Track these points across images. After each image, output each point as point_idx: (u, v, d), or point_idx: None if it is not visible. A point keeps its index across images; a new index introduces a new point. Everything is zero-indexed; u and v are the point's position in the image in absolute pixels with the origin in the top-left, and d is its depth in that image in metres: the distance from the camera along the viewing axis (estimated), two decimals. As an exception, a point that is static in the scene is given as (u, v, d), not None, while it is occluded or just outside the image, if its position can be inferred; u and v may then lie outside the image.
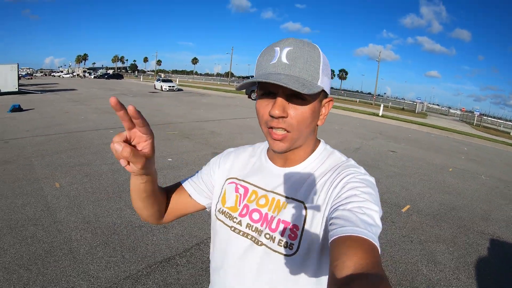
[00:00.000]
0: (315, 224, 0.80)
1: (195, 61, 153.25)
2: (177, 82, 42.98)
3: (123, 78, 75.84)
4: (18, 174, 5.74)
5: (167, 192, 1.07)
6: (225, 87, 57.72)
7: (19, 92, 25.88)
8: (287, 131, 0.80)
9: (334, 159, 0.91)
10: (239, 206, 0.94)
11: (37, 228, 3.90)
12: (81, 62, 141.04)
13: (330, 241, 0.66)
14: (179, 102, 22.60)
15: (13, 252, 3.40)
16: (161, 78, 37.57)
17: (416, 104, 51.46)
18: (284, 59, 0.77)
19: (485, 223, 5.08)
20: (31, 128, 10.01)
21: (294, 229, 0.82)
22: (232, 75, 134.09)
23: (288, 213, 0.84)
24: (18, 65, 27.16)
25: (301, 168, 0.91)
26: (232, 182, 1.00)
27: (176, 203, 1.07)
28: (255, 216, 0.89)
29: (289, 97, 0.79)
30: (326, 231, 0.78)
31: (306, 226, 0.81)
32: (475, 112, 45.38)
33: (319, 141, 0.96)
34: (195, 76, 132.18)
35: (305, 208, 0.83)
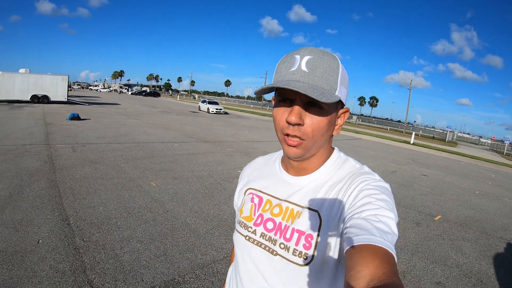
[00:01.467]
0: (330, 233, 0.80)
1: (228, 83, 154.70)
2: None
3: (159, 96, 77.18)
4: (111, 173, 6.88)
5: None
6: (259, 110, 58.14)
7: (67, 102, 27.28)
8: (302, 139, 0.81)
9: (349, 166, 0.92)
10: (254, 215, 0.95)
11: (153, 214, 4.81)
12: (117, 78, 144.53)
13: (345, 250, 0.67)
14: (222, 122, 23.85)
15: (141, 230, 4.26)
16: (207, 100, 37.10)
17: (447, 133, 51.45)
18: (303, 67, 0.78)
19: (504, 232, 6.20)
20: (100, 136, 11.52)
21: (309, 239, 0.82)
22: (264, 98, 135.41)
23: (302, 222, 0.85)
24: (68, 77, 28.40)
25: (315, 176, 0.91)
26: (250, 193, 1.02)
27: None
28: (269, 225, 0.90)
29: (306, 105, 0.80)
30: (341, 240, 0.78)
31: (321, 236, 0.81)
32: (505, 142, 45.13)
33: (333, 149, 0.96)
34: (227, 98, 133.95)
35: (320, 217, 0.83)
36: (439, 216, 6.62)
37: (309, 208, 0.85)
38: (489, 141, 65.41)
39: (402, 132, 50.46)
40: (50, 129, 12.27)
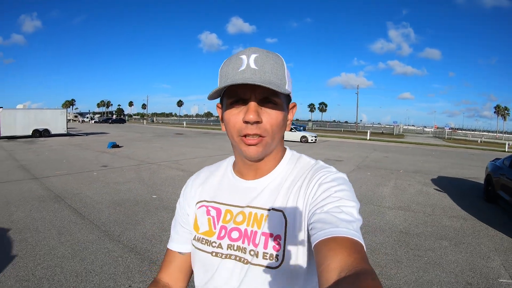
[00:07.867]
0: (297, 231, 0.80)
1: (180, 103, 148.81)
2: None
3: (125, 122, 76.44)
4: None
5: (168, 268, 1.00)
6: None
7: (68, 134, 27.99)
8: (262, 136, 0.80)
9: (304, 163, 0.92)
10: (215, 229, 0.89)
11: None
12: (69, 107, 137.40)
13: (313, 246, 0.67)
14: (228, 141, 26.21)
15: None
16: (302, 127, 31.67)
17: (394, 127, 58.25)
18: (252, 65, 0.78)
19: (437, 173, 11.37)
20: (172, 156, 13.90)
21: (277, 240, 0.80)
22: (212, 115, 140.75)
23: (268, 224, 0.82)
24: (67, 110, 29.49)
25: (273, 177, 0.90)
26: (201, 205, 0.95)
27: (180, 270, 1.00)
28: (235, 235, 0.86)
29: (261, 102, 0.79)
30: (309, 237, 0.77)
31: (288, 235, 0.80)
32: (445, 128, 52.04)
33: (285, 148, 0.96)
34: (175, 118, 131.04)
35: (285, 216, 0.82)
36: (402, 170, 11.75)
37: (274, 209, 0.84)
38: (432, 129, 72.90)
39: (355, 132, 56.76)
40: (118, 154, 14.33)
